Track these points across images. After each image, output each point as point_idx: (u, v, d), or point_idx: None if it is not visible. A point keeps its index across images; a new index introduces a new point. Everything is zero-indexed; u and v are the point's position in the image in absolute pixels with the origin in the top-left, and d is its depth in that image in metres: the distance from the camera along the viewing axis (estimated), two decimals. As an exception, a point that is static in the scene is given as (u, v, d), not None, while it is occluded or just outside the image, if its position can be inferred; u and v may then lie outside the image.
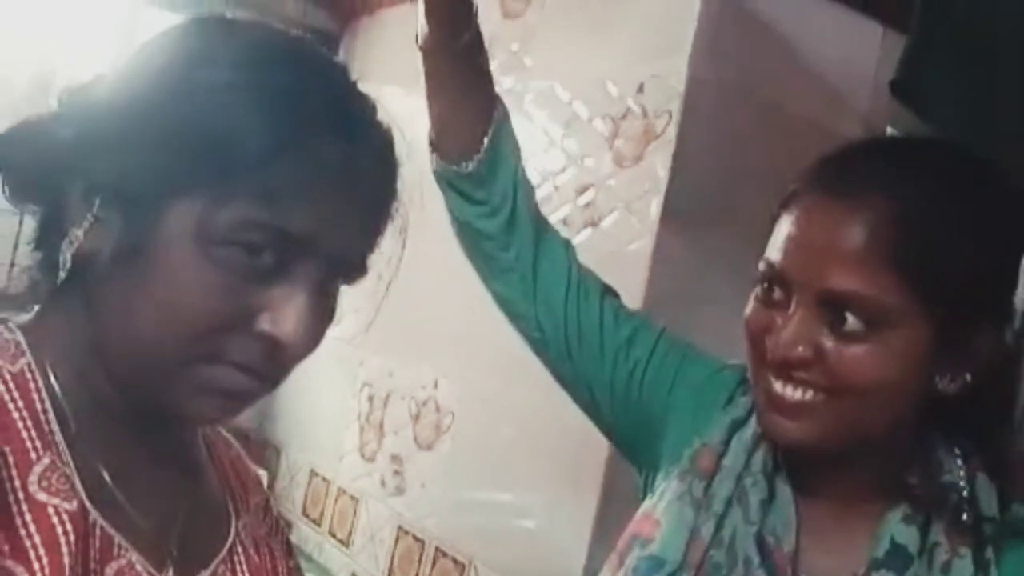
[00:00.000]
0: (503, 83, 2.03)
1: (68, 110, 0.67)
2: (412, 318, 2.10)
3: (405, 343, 2.20)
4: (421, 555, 2.05)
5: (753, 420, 0.95)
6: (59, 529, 0.60)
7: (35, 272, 0.70)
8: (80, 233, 0.64)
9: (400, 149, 0.71)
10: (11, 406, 0.62)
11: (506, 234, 1.08)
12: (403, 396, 2.20)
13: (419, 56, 1.06)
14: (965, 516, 0.86)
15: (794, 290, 0.83)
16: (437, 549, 2.01)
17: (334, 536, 2.38)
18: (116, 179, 0.63)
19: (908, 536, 0.87)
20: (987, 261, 0.83)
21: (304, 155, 0.62)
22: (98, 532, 0.63)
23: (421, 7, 1.02)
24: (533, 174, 1.89)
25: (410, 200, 0.72)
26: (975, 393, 0.85)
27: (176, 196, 0.62)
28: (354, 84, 0.69)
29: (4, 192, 0.68)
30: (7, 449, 0.60)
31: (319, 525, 2.44)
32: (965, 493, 0.87)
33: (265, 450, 2.62)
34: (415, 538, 2.08)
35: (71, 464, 0.63)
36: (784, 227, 0.86)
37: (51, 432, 0.63)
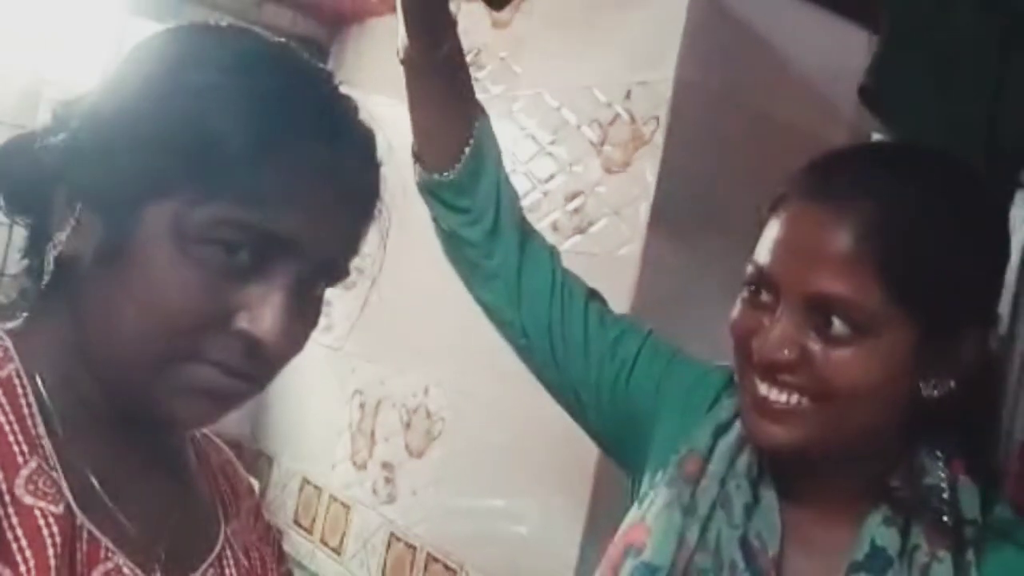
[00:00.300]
0: (492, 91, 2.04)
1: (58, 122, 0.67)
2: (403, 326, 2.10)
3: (396, 351, 2.20)
4: (413, 562, 2.05)
5: (738, 424, 0.95)
6: (45, 532, 0.60)
7: (24, 279, 0.70)
8: (63, 237, 0.65)
9: (382, 150, 0.71)
10: None
11: (490, 241, 1.08)
12: (394, 404, 2.20)
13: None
14: (946, 518, 0.86)
15: (781, 293, 0.84)
16: (429, 555, 2.01)
17: (326, 544, 2.37)
18: (96, 182, 0.64)
19: (888, 539, 0.87)
20: (972, 267, 0.84)
21: (284, 156, 0.63)
22: (85, 536, 0.63)
23: (401, 20, 1.02)
24: (522, 181, 1.91)
25: (393, 202, 0.73)
26: (959, 396, 0.85)
27: (156, 197, 0.63)
28: (336, 87, 0.70)
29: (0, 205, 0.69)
30: None
31: (311, 533, 2.44)
32: (946, 496, 0.87)
33: (257, 459, 2.62)
34: (407, 545, 2.08)
35: (58, 468, 0.63)
36: (772, 230, 0.86)
37: (38, 436, 0.63)
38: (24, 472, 0.61)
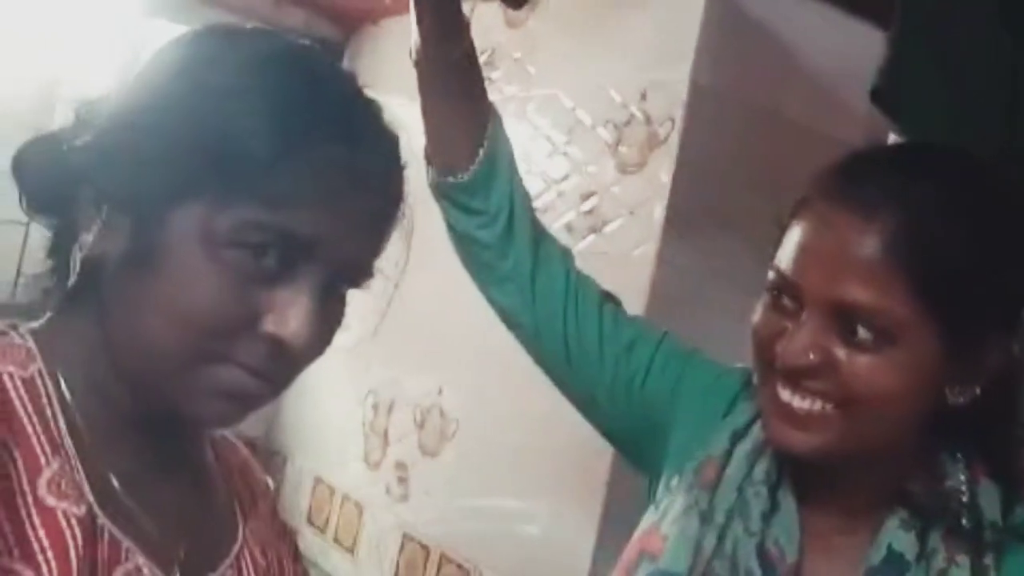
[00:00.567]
0: (506, 91, 2.04)
1: (82, 121, 0.68)
2: (417, 326, 2.11)
3: (410, 351, 2.20)
4: (426, 562, 2.05)
5: (755, 430, 0.95)
6: (67, 533, 0.60)
7: (47, 280, 0.70)
8: (89, 238, 0.65)
9: (406, 153, 0.71)
10: (21, 411, 0.62)
11: (504, 243, 1.07)
12: (408, 403, 2.21)
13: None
14: (965, 522, 0.86)
15: (805, 299, 0.83)
16: (442, 555, 2.01)
17: (339, 543, 2.38)
18: (124, 184, 0.64)
19: (906, 543, 0.86)
20: (1000, 274, 0.83)
21: (310, 159, 0.63)
22: (106, 536, 0.63)
23: (414, 21, 1.02)
24: (536, 181, 1.91)
25: (415, 205, 0.73)
26: (981, 400, 0.85)
27: (183, 199, 0.63)
28: (360, 89, 0.70)
29: (22, 204, 0.69)
30: (17, 453, 0.60)
31: (324, 532, 2.44)
32: (965, 499, 0.87)
33: (271, 458, 2.63)
34: (420, 545, 2.09)
35: (80, 469, 0.64)
36: (795, 236, 0.85)
37: (60, 437, 0.64)
38: (47, 473, 0.61)
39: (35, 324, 0.69)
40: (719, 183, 1.69)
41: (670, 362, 1.05)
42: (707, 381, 1.04)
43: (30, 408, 0.63)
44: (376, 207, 0.69)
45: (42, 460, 0.62)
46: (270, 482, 0.88)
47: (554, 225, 1.81)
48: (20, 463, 0.60)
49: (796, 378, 0.83)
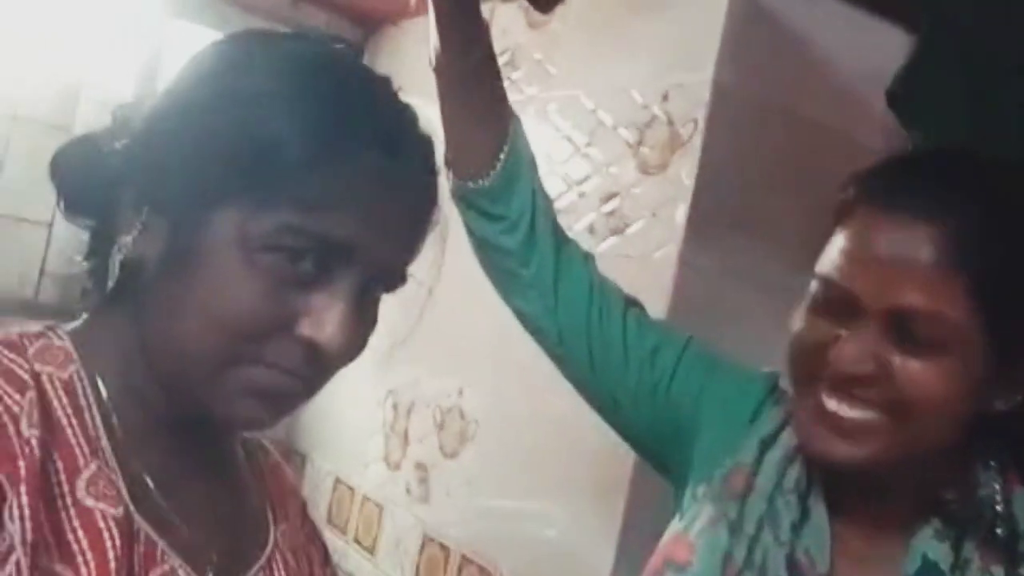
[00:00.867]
0: (527, 92, 2.04)
1: (120, 124, 0.68)
2: (437, 327, 2.10)
3: (430, 352, 2.20)
4: (446, 562, 2.05)
5: (784, 437, 0.94)
6: (106, 535, 0.61)
7: (85, 281, 0.71)
8: (128, 240, 0.65)
9: (439, 157, 0.71)
10: (60, 412, 0.63)
11: (525, 249, 1.07)
12: (428, 404, 2.21)
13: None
14: (1000, 531, 0.85)
15: (859, 306, 0.82)
16: (463, 556, 2.01)
17: (359, 544, 2.38)
18: (163, 188, 0.65)
19: (940, 553, 0.86)
20: None
21: (345, 164, 0.63)
22: (142, 538, 0.64)
23: (432, 26, 1.02)
24: (557, 182, 1.91)
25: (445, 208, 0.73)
26: (1019, 407, 0.84)
27: (221, 203, 0.63)
28: (395, 94, 0.70)
29: (60, 206, 0.69)
30: (56, 455, 0.61)
31: (344, 533, 2.45)
32: (1000, 508, 0.86)
33: (291, 459, 2.63)
34: (440, 545, 2.09)
35: (117, 471, 0.64)
36: (843, 242, 0.85)
37: (98, 438, 0.64)
38: (85, 474, 0.62)
39: (73, 325, 0.70)
40: (742, 184, 1.69)
41: (695, 367, 1.04)
42: (732, 386, 1.03)
43: (69, 409, 0.64)
44: (411, 211, 0.69)
45: (80, 461, 0.62)
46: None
47: (575, 227, 1.81)
48: (59, 464, 0.61)
49: (848, 386, 0.82)
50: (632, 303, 1.10)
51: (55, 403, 0.63)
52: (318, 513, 2.53)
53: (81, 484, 0.61)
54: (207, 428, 0.70)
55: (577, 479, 1.76)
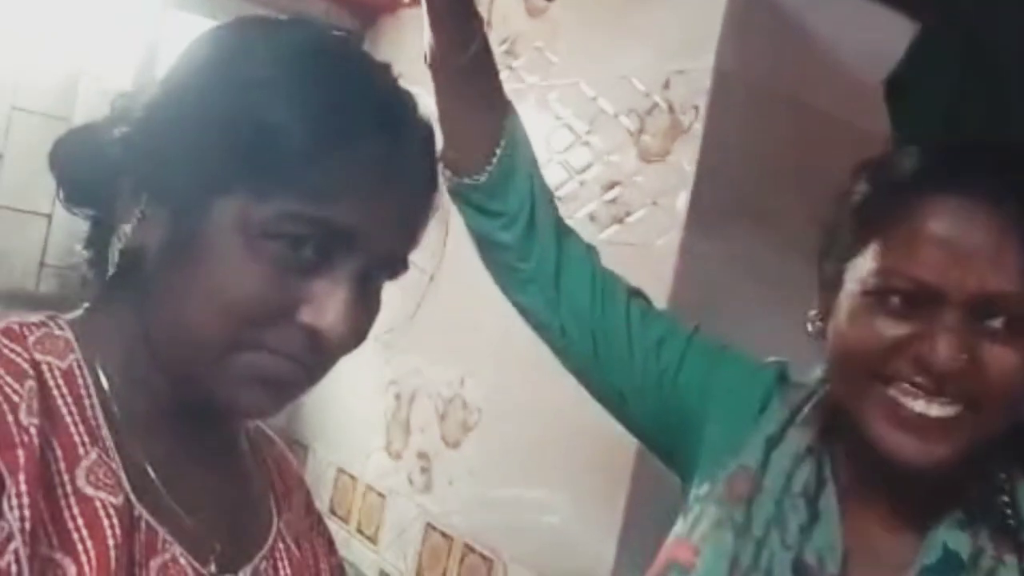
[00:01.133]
0: (527, 80, 2.03)
1: (119, 113, 0.68)
2: (439, 316, 2.10)
3: (432, 341, 2.20)
4: (449, 552, 2.05)
5: (791, 435, 0.93)
6: (105, 523, 0.61)
7: (85, 270, 0.71)
8: (128, 229, 0.65)
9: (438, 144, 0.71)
10: (60, 401, 0.63)
11: (525, 244, 1.06)
12: (429, 394, 2.21)
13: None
14: (1011, 521, 0.84)
15: (943, 298, 0.80)
16: (465, 545, 2.01)
17: (362, 533, 2.39)
18: (163, 176, 0.65)
19: (960, 542, 0.85)
20: None
21: (347, 151, 0.63)
22: (143, 526, 0.64)
23: (427, 21, 1.01)
24: (558, 171, 1.90)
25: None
26: None
27: (221, 190, 0.63)
28: (395, 80, 0.70)
29: (59, 196, 0.69)
30: (56, 443, 0.61)
31: (346, 523, 2.45)
32: (1006, 498, 0.86)
33: (293, 449, 2.63)
34: (443, 535, 2.09)
35: (117, 459, 0.64)
36: (910, 235, 0.82)
37: (98, 427, 0.64)
38: (85, 463, 0.62)
39: (73, 315, 0.69)
40: (743, 172, 1.68)
41: (701, 358, 1.04)
42: (739, 376, 1.02)
43: (69, 399, 0.63)
44: (413, 197, 0.69)
45: (80, 450, 0.62)
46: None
47: (577, 215, 1.80)
48: (59, 452, 0.61)
49: (942, 383, 0.80)
50: (636, 294, 1.09)
51: (55, 392, 0.63)
52: (321, 503, 2.53)
53: (81, 473, 0.61)
54: (210, 417, 0.70)
55: (579, 468, 1.76)
